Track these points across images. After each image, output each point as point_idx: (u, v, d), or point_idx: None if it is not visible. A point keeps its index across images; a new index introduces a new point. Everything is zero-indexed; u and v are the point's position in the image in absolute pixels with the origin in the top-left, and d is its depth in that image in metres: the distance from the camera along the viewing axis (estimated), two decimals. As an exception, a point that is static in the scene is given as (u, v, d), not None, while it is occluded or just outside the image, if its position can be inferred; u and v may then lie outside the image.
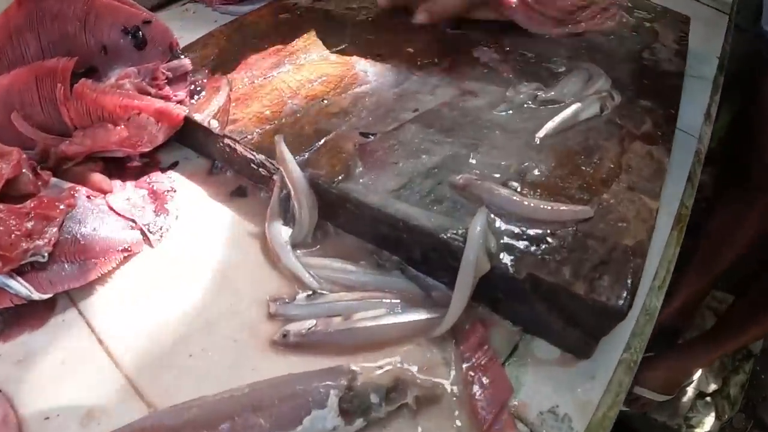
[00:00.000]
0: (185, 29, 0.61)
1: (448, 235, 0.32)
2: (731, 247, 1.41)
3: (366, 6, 0.56)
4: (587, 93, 0.43)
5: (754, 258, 1.38)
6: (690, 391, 1.48)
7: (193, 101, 0.43)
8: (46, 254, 0.35)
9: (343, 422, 0.28)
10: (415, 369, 0.32)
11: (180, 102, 0.43)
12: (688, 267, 1.48)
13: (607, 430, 0.32)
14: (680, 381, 1.45)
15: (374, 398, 0.29)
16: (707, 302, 1.64)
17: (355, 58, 0.48)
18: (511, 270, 0.31)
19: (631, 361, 0.35)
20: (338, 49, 0.49)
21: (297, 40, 0.50)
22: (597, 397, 0.32)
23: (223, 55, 0.48)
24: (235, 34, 0.51)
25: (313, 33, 0.51)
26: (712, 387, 1.52)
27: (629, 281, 0.31)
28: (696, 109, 0.63)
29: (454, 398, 0.31)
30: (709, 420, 1.52)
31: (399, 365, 0.32)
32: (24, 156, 0.39)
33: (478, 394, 0.30)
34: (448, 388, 0.31)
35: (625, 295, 0.30)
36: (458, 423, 0.30)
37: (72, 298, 0.36)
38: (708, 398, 1.51)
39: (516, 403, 0.31)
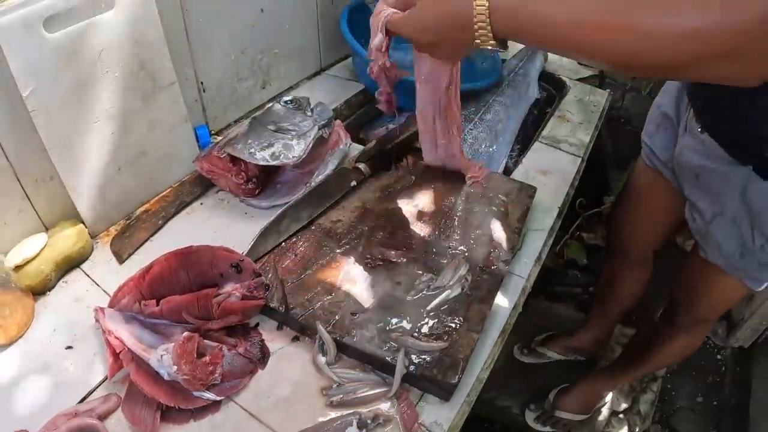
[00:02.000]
0: (224, 219, 1.13)
1: (390, 359, 0.86)
2: (615, 301, 1.86)
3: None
4: (455, 278, 0.97)
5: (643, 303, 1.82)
6: (605, 410, 1.97)
7: (266, 293, 0.96)
8: (219, 378, 0.87)
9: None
10: (384, 408, 0.85)
11: (260, 296, 0.95)
12: (593, 309, 2.01)
13: (459, 428, 0.85)
14: (594, 403, 1.93)
15: (369, 422, 0.82)
16: (617, 338, 2.13)
17: (346, 267, 1.01)
18: (414, 371, 0.85)
19: (470, 401, 0.88)
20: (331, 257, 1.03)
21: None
22: (452, 416, 0.85)
23: (278, 269, 1.01)
24: (283, 256, 1.03)
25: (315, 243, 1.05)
26: (623, 406, 2.00)
27: (459, 373, 0.84)
28: (530, 257, 1.11)
29: (397, 420, 0.84)
30: (624, 432, 1.91)
31: (377, 408, 0.85)
32: (200, 338, 0.91)
33: (405, 417, 0.83)
34: (395, 416, 0.84)
35: (457, 378, 0.84)
36: (399, 429, 0.83)
37: (231, 398, 0.88)
38: (621, 415, 1.97)
39: (421, 420, 0.84)
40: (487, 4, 0.76)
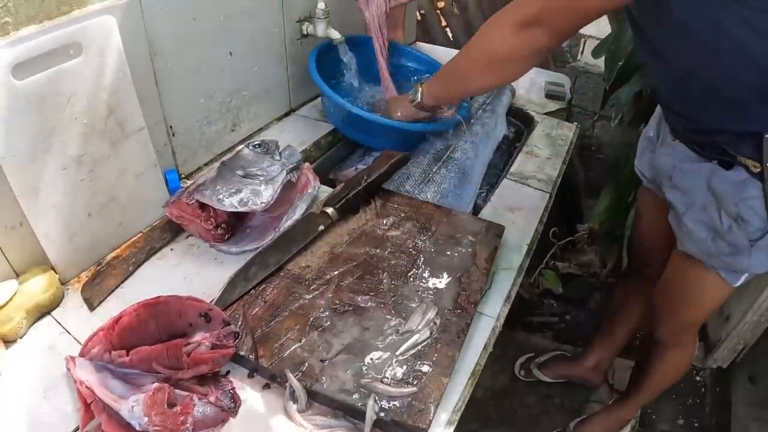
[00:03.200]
0: (194, 265, 1.15)
1: (360, 406, 0.88)
2: (626, 323, 1.97)
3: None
4: (424, 321, 0.99)
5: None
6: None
7: (236, 342, 0.97)
8: (190, 428, 0.89)
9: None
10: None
11: (230, 345, 0.96)
12: (595, 337, 2.09)
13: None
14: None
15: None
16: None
17: (315, 313, 1.03)
18: (385, 417, 0.86)
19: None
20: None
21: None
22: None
23: (248, 317, 1.03)
24: (253, 303, 1.05)
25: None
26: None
27: (430, 417, 0.86)
28: (499, 297, 1.14)
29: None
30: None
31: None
32: (171, 388, 0.92)
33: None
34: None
35: (428, 422, 0.86)
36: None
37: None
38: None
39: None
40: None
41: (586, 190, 2.77)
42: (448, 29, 3.32)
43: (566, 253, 2.69)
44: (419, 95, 1.42)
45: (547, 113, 1.92)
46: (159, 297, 0.96)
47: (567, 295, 2.61)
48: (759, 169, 1.07)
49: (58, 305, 1.09)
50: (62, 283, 1.11)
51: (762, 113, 1.03)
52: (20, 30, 0.96)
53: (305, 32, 1.65)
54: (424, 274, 1.10)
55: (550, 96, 2.03)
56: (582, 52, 3.89)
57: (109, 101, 1.09)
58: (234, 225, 1.20)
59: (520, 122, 1.91)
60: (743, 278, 1.26)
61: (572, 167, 2.87)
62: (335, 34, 1.61)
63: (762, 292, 2.01)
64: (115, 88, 1.09)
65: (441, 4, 3.24)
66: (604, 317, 2.09)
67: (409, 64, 1.86)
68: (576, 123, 1.88)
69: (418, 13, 3.09)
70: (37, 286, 1.05)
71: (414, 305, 1.03)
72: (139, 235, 1.23)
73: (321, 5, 1.57)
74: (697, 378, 2.35)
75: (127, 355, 0.92)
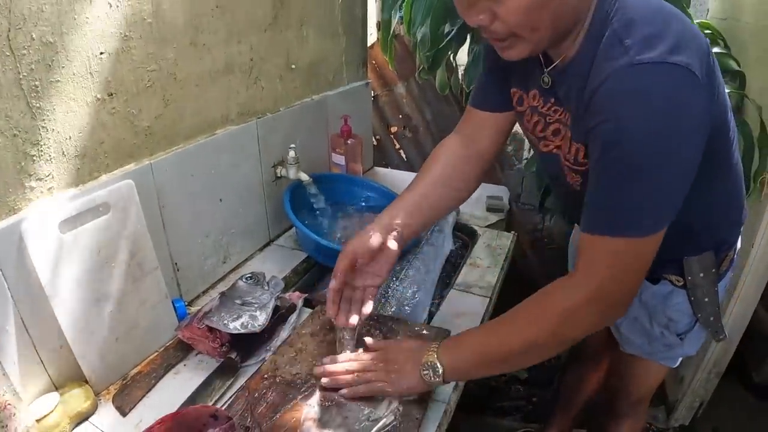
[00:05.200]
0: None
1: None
2: (578, 401, 2.21)
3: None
4: (389, 409, 1.30)
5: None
6: None
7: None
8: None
9: None
10: None
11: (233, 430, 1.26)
12: (554, 415, 2.33)
13: None
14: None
15: None
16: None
17: (306, 409, 1.34)
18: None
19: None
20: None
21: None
22: None
23: (255, 414, 1.33)
24: (258, 404, 1.36)
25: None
26: None
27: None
28: (448, 387, 1.36)
29: None
30: None
31: None
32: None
33: None
34: None
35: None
36: None
37: None
38: None
39: None
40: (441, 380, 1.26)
41: (545, 279, 3.08)
42: (401, 151, 3.68)
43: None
44: (439, 373, 1.24)
45: (488, 226, 2.25)
46: (178, 410, 1.23)
47: (532, 380, 2.88)
48: (682, 283, 1.33)
49: (94, 413, 1.34)
50: (95, 395, 1.36)
51: (682, 245, 1.23)
52: (62, 192, 1.25)
53: (279, 175, 2.02)
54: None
55: (490, 209, 2.39)
56: (529, 151, 4.31)
57: (131, 248, 1.40)
58: (233, 344, 1.49)
59: (466, 235, 2.22)
60: (680, 359, 1.52)
61: (527, 258, 3.21)
62: (304, 177, 1.98)
63: (707, 351, 2.32)
64: (135, 237, 1.41)
65: (393, 129, 3.61)
66: (560, 393, 2.34)
67: (367, 193, 2.23)
68: (514, 232, 2.19)
69: (374, 138, 3.50)
70: (77, 398, 1.31)
71: (381, 396, 1.34)
72: (156, 354, 1.52)
73: (291, 153, 1.95)
74: (663, 438, 2.59)
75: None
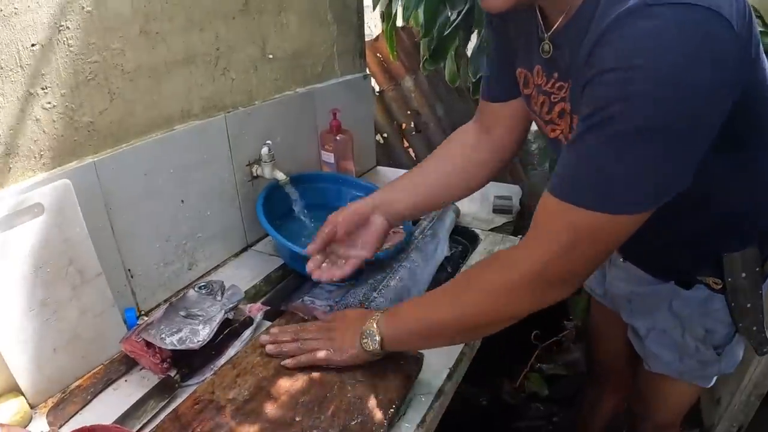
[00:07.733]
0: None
1: None
2: (598, 425, 2.06)
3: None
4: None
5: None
6: None
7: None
8: None
9: None
10: None
11: None
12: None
13: None
14: None
15: None
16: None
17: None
18: None
19: None
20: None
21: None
22: None
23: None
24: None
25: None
26: None
27: None
28: (412, 422, 1.19)
29: None
30: None
31: None
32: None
33: None
34: None
35: None
36: None
37: None
38: None
39: None
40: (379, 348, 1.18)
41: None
42: (410, 149, 3.55)
43: (552, 354, 2.81)
44: (377, 341, 1.17)
45: (492, 229, 2.10)
46: (92, 426, 1.16)
47: (553, 396, 2.71)
48: (720, 285, 1.18)
49: (26, 427, 1.28)
50: (31, 407, 1.31)
51: (721, 237, 1.12)
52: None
53: (256, 174, 1.92)
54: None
55: (497, 210, 2.24)
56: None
57: (69, 252, 1.33)
58: (180, 359, 1.39)
59: (467, 240, 2.07)
60: (715, 379, 1.36)
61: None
62: (280, 176, 1.88)
63: (746, 372, 2.12)
64: (73, 241, 1.34)
65: (404, 126, 3.49)
66: (578, 414, 2.21)
67: (356, 193, 2.10)
68: (521, 236, 2.04)
69: (380, 136, 3.40)
70: (9, 410, 1.25)
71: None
72: (100, 366, 1.44)
73: (265, 150, 1.85)
74: (699, 464, 2.42)
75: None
